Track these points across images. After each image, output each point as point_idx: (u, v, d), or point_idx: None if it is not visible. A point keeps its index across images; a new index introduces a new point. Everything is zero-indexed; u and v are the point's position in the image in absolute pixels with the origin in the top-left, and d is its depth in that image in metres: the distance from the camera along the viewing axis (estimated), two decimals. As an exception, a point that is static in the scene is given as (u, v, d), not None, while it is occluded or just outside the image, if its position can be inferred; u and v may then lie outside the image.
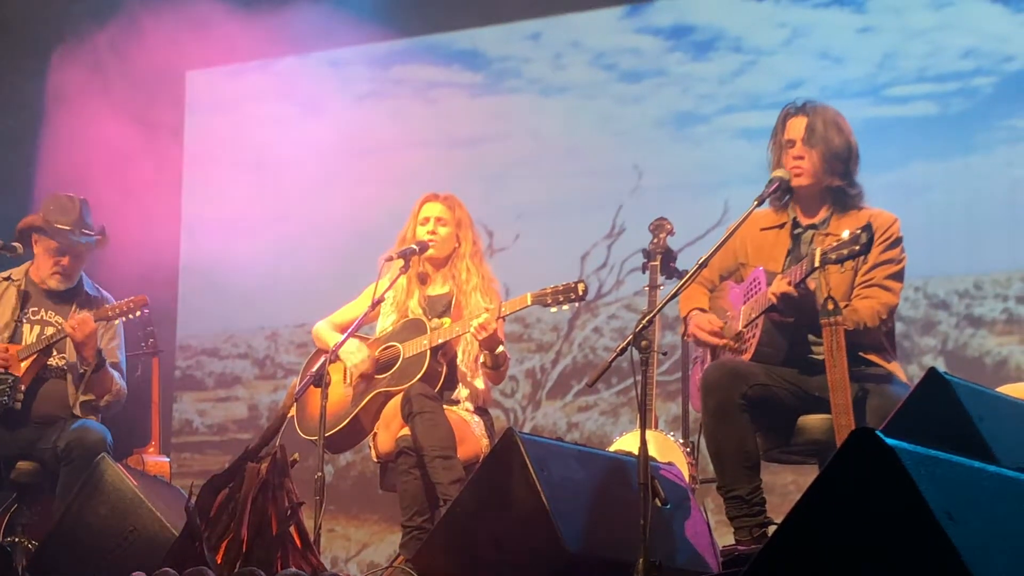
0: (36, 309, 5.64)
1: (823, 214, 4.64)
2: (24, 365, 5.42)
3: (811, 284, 4.34)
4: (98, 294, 5.76)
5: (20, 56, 8.30)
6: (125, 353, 5.88)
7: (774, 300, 4.30)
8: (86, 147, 7.98)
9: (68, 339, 5.49)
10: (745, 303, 4.57)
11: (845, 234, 4.16)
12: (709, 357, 4.80)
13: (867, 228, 4.13)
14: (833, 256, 4.16)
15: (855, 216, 4.56)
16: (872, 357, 4.46)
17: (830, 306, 4.20)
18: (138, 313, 5.60)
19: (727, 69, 7.76)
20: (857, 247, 4.12)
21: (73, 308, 5.65)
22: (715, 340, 4.64)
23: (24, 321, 5.61)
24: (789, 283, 4.27)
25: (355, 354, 5.40)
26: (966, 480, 2.24)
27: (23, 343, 5.53)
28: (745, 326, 4.53)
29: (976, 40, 7.17)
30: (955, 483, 2.20)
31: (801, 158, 4.57)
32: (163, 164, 8.56)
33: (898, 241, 4.53)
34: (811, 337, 4.49)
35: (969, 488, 2.23)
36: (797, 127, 4.59)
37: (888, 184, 6.79)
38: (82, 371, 5.51)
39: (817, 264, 4.19)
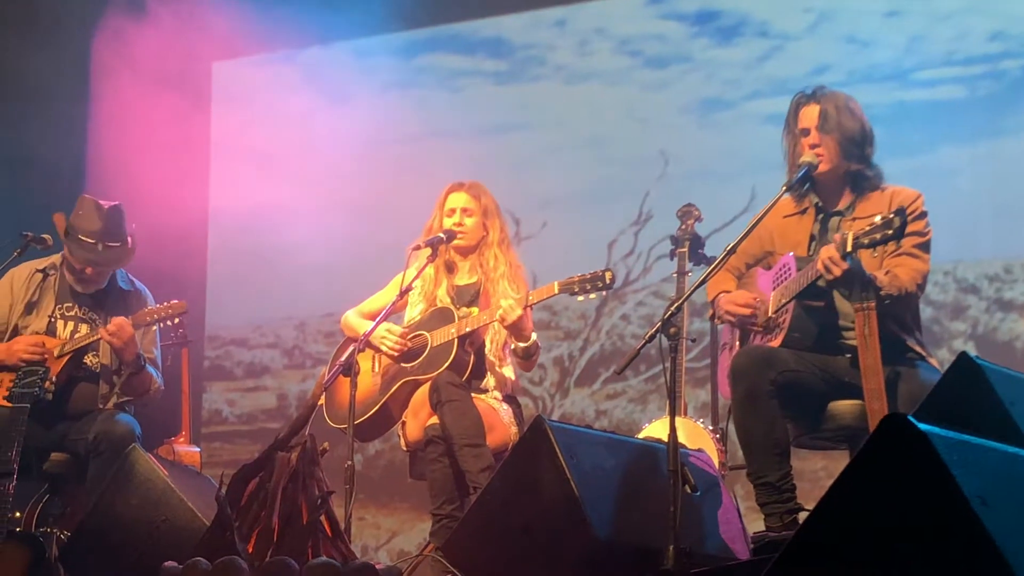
0: (70, 305, 5.65)
1: (846, 200, 4.62)
2: (59, 363, 5.44)
3: None
4: (131, 287, 5.75)
5: (50, 46, 8.31)
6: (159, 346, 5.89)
7: (823, 270, 4.24)
8: (110, 142, 8.01)
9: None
10: (775, 289, 4.56)
11: (877, 219, 4.15)
12: (737, 343, 4.79)
13: (900, 212, 4.10)
14: (866, 241, 4.14)
15: (878, 197, 4.56)
16: (909, 342, 4.45)
17: (862, 291, 4.19)
18: (176, 320, 5.60)
19: (753, 54, 7.73)
20: (890, 231, 4.10)
21: (107, 306, 5.65)
22: (748, 312, 4.61)
23: (58, 317, 5.62)
24: (837, 252, 4.24)
25: (386, 336, 5.40)
26: (999, 465, 2.24)
27: (57, 338, 5.55)
28: (775, 311, 4.52)
29: (1003, 23, 7.12)
30: (988, 468, 2.19)
31: (817, 146, 4.55)
32: (190, 156, 8.59)
33: (923, 215, 4.52)
34: (841, 323, 4.48)
35: (1002, 473, 2.22)
36: (810, 115, 4.58)
37: (916, 168, 6.76)
38: (115, 369, 5.52)
39: (849, 249, 4.17)
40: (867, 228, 4.15)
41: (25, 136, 8.10)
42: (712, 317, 4.91)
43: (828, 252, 4.24)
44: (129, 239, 5.62)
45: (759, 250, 4.76)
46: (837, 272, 4.22)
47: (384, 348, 5.42)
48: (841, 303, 4.46)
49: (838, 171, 4.59)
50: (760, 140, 7.18)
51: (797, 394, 4.43)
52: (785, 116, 4.71)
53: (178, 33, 8.39)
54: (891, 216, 4.11)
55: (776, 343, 4.46)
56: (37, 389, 5.20)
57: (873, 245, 4.16)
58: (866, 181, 4.60)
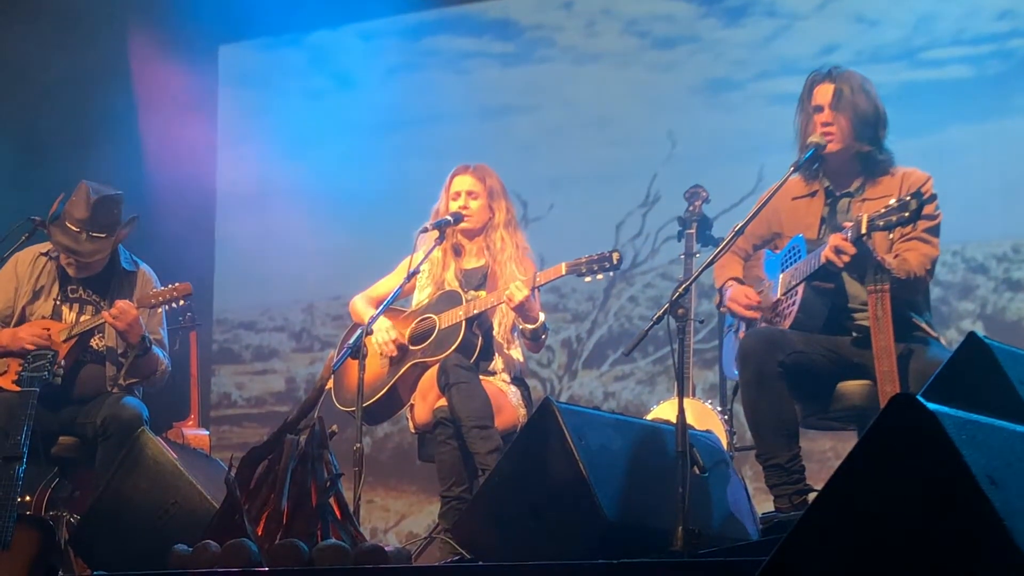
0: (75, 287, 5.63)
1: (856, 182, 4.61)
2: (65, 346, 5.44)
3: None
4: (135, 268, 5.73)
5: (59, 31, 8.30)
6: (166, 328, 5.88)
7: (832, 256, 4.24)
8: (115, 125, 8.01)
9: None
10: (783, 271, 4.55)
11: (892, 201, 4.14)
12: (743, 326, 4.78)
13: (917, 195, 4.10)
14: (881, 223, 4.13)
15: (888, 180, 4.54)
16: (918, 322, 4.44)
17: (876, 273, 4.18)
18: (181, 302, 5.59)
19: (761, 34, 7.71)
20: (906, 214, 4.09)
21: (111, 288, 5.63)
22: (752, 315, 4.63)
23: (63, 301, 5.61)
24: (844, 239, 4.23)
25: (382, 333, 5.41)
26: (1008, 444, 2.23)
27: (63, 322, 5.54)
28: (784, 294, 4.51)
29: (1012, 1, 7.09)
30: (997, 447, 2.19)
31: (830, 124, 4.54)
32: (197, 139, 8.59)
33: (933, 198, 4.50)
34: (851, 304, 4.47)
35: (1011, 452, 2.21)
36: (824, 93, 4.56)
37: (925, 148, 6.74)
38: (122, 352, 5.51)
39: (864, 231, 4.16)
40: (882, 210, 4.14)
41: (33, 122, 8.11)
42: (719, 305, 4.90)
43: (836, 240, 4.24)
44: (118, 232, 5.55)
45: (767, 231, 4.75)
46: (846, 259, 4.22)
47: (376, 341, 5.40)
48: (851, 285, 4.45)
49: (849, 151, 4.57)
50: (768, 120, 7.17)
51: (805, 375, 4.42)
52: (799, 95, 4.69)
53: (184, 16, 8.40)
54: (907, 199, 4.10)
55: (785, 325, 4.46)
56: (46, 373, 5.20)
57: (888, 228, 4.15)
58: (876, 164, 4.58)
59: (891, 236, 4.35)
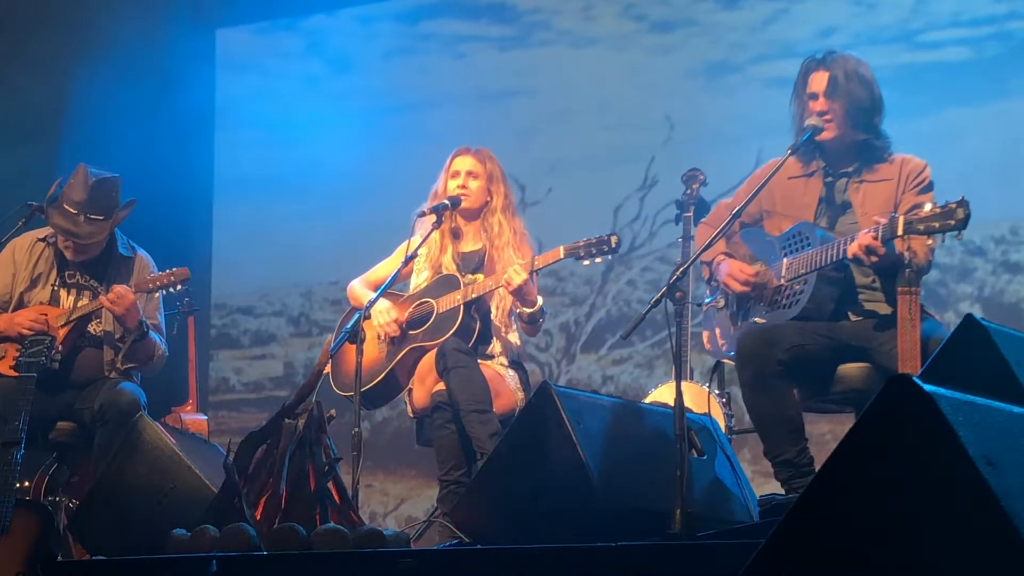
0: (72, 272, 5.63)
1: (854, 165, 4.59)
2: (62, 331, 5.44)
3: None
4: (132, 253, 5.72)
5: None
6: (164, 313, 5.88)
7: (862, 254, 4.21)
8: (115, 110, 8.00)
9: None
10: (787, 258, 4.50)
11: (927, 206, 4.08)
12: (735, 304, 4.73)
13: (964, 204, 4.00)
14: (921, 227, 4.06)
15: (886, 167, 4.53)
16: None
17: (910, 275, 4.14)
18: (179, 287, 5.58)
19: (759, 17, 7.69)
20: (952, 222, 3.99)
21: (108, 272, 5.63)
22: (745, 289, 4.60)
23: (60, 286, 5.60)
24: (875, 239, 4.19)
25: (383, 314, 5.41)
26: (1005, 425, 2.23)
27: (60, 307, 5.54)
28: (789, 280, 4.46)
29: (1010, -17, 7.09)
30: (994, 428, 2.18)
31: (825, 112, 4.52)
32: (194, 123, 8.58)
33: (931, 186, 4.49)
34: (862, 296, 4.45)
35: (1008, 433, 2.21)
36: (819, 81, 4.54)
37: (922, 130, 6.73)
38: (119, 337, 5.51)
39: (900, 232, 4.11)
40: (923, 214, 4.07)
41: (30, 108, 8.09)
42: (709, 279, 4.86)
43: (867, 239, 4.17)
44: (115, 215, 5.53)
45: (756, 210, 4.71)
46: (875, 259, 4.19)
47: (377, 323, 5.41)
48: (857, 273, 4.43)
49: (845, 139, 4.55)
50: (766, 103, 7.15)
51: (805, 366, 4.39)
52: (794, 80, 4.67)
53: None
54: (953, 206, 4.03)
55: (791, 314, 4.41)
56: (44, 358, 5.19)
57: (929, 233, 4.08)
58: (873, 150, 4.56)
59: (929, 242, 4.30)
